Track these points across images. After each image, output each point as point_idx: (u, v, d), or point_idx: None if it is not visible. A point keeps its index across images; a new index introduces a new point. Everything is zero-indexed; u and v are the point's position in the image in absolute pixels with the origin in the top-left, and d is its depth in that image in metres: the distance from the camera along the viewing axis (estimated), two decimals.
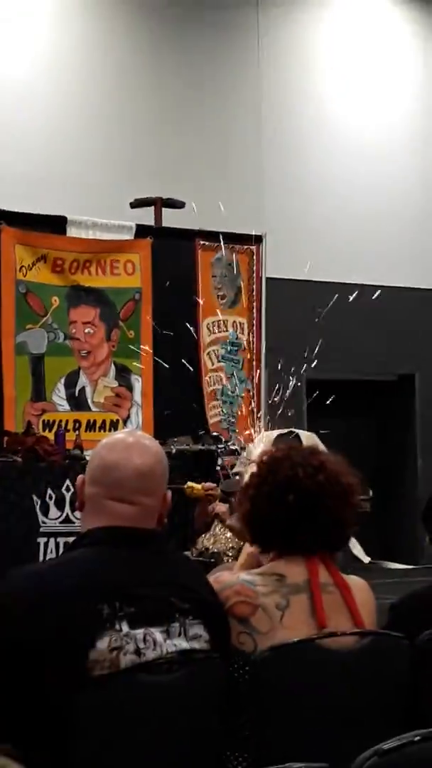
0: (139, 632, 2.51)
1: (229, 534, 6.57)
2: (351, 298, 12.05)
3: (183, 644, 2.57)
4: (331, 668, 2.60)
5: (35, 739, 2.41)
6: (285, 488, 2.78)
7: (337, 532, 2.83)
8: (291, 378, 11.55)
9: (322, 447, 9.80)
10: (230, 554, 6.34)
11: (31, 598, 2.48)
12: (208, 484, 6.40)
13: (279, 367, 10.89)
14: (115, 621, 2.48)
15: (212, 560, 6.39)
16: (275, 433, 10.14)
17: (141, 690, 2.43)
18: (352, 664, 2.64)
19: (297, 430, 10.39)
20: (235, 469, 9.81)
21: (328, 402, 9.92)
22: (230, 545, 6.53)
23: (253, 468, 2.93)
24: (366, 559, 10.31)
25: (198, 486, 6.19)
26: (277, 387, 10.89)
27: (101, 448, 2.73)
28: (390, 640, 2.78)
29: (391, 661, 2.74)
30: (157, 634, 2.53)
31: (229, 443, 9.99)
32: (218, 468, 7.67)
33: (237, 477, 6.27)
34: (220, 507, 6.17)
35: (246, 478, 5.94)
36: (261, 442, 10.01)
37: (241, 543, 6.55)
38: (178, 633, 2.57)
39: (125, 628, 2.49)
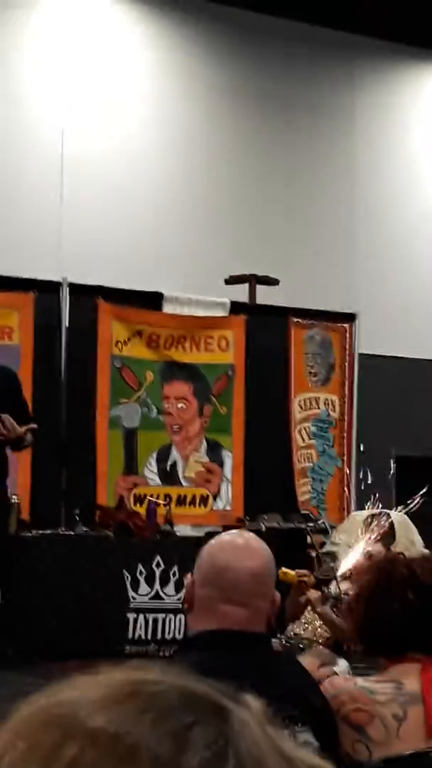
0: None
1: (319, 621, 6.53)
2: None
3: None
4: None
5: None
6: (403, 586, 2.74)
7: None
8: (382, 458, 11.49)
9: (413, 528, 9.70)
10: (320, 641, 6.28)
11: None
12: (302, 571, 6.37)
13: (369, 445, 10.86)
14: None
15: (301, 647, 6.35)
16: (366, 513, 10.09)
17: None
18: None
19: (388, 511, 10.34)
20: (325, 549, 9.77)
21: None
22: (320, 632, 6.48)
23: (361, 566, 2.90)
24: None
25: (292, 572, 6.15)
26: (367, 465, 10.84)
27: (212, 548, 2.73)
28: None
29: None
30: None
31: (319, 521, 9.95)
32: (309, 550, 7.61)
33: (332, 564, 6.21)
34: (312, 593, 6.13)
35: (344, 567, 5.90)
36: (351, 521, 9.96)
37: (331, 632, 6.51)
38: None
39: None
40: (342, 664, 7.01)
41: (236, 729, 0.80)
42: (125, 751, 0.78)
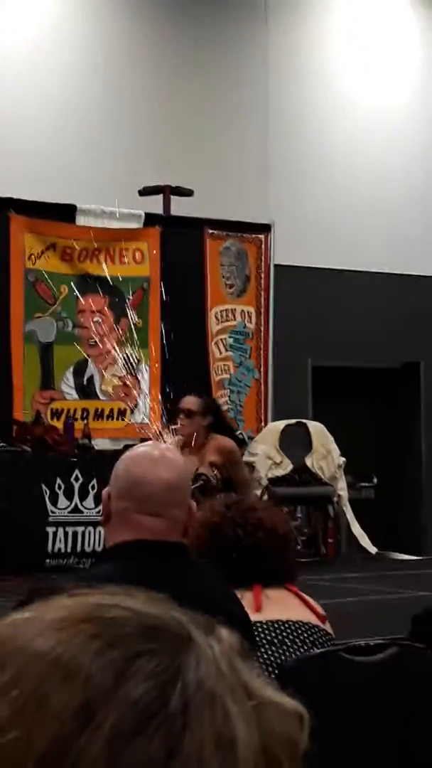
0: None
1: None
2: (356, 286, 12.09)
3: None
4: (355, 679, 2.63)
5: None
6: (229, 548, 3.01)
7: (278, 575, 3.05)
8: (299, 368, 11.56)
9: (330, 437, 9.77)
10: None
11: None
12: None
13: (285, 355, 10.91)
14: None
15: None
16: (282, 423, 10.19)
17: None
18: (377, 675, 2.66)
19: (305, 420, 10.44)
20: (244, 459, 9.85)
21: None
22: None
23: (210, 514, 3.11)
24: (373, 550, 10.34)
25: None
26: (284, 376, 10.90)
27: (126, 461, 2.72)
28: (414, 651, 2.78)
29: (416, 672, 2.75)
30: None
31: (237, 433, 10.01)
32: None
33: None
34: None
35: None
36: (269, 432, 10.05)
37: None
38: None
39: None
40: None
41: (193, 661, 0.78)
42: (64, 675, 0.77)
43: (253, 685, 0.81)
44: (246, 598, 2.89)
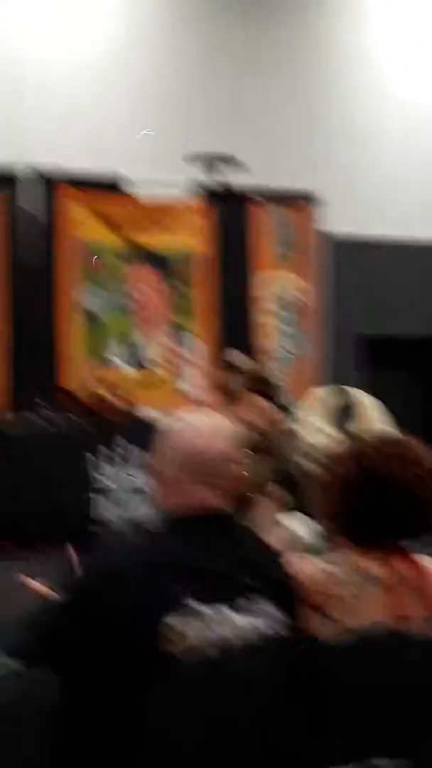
0: (210, 609, 2.53)
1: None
2: (406, 255, 12.00)
3: (252, 622, 2.59)
4: (402, 654, 2.61)
5: (106, 716, 2.45)
6: (378, 480, 2.81)
7: (422, 521, 2.84)
8: (347, 338, 11.51)
9: (376, 407, 9.74)
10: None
11: (105, 575, 2.51)
12: None
13: (332, 324, 10.87)
14: (186, 598, 2.51)
15: None
16: (327, 391, 10.13)
17: (210, 666, 2.46)
18: (423, 650, 2.64)
19: (348, 388, 10.39)
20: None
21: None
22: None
23: (335, 461, 2.91)
24: None
25: None
26: (329, 344, 10.87)
27: (180, 431, 2.71)
28: None
29: None
30: (226, 611, 2.56)
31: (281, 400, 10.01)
32: None
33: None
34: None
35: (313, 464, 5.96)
36: (313, 398, 10.02)
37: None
38: (248, 610, 2.59)
39: (196, 604, 2.52)
40: (297, 518, 7.11)
41: None
42: None
43: None
44: (374, 560, 2.76)
